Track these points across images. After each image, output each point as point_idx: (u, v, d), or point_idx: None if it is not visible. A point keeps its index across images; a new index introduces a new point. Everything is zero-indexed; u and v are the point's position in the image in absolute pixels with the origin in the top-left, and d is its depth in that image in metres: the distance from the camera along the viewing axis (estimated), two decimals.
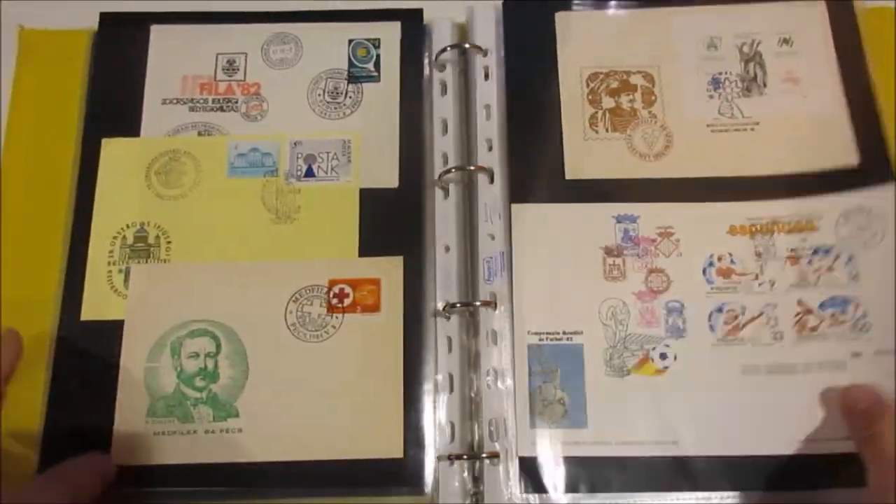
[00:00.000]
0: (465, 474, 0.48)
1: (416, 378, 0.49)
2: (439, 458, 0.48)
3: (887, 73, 0.56)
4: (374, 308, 0.50)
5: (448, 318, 0.51)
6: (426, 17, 0.58)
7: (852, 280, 0.51)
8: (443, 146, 0.55)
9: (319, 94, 0.56)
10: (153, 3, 0.58)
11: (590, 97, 0.56)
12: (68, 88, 0.55)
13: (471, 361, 0.51)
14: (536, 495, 0.47)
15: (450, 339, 0.51)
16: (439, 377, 0.50)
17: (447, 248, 0.53)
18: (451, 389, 0.50)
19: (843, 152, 0.54)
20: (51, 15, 0.57)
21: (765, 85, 0.56)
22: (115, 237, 0.52)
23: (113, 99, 0.55)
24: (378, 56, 0.57)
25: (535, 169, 0.54)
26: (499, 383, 0.50)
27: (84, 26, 0.57)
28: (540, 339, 0.50)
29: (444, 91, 0.57)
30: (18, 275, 0.51)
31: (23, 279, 0.51)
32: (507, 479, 0.47)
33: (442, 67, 0.57)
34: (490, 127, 0.56)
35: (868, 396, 0.46)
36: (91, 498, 0.44)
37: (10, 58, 0.56)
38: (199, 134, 0.55)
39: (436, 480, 0.47)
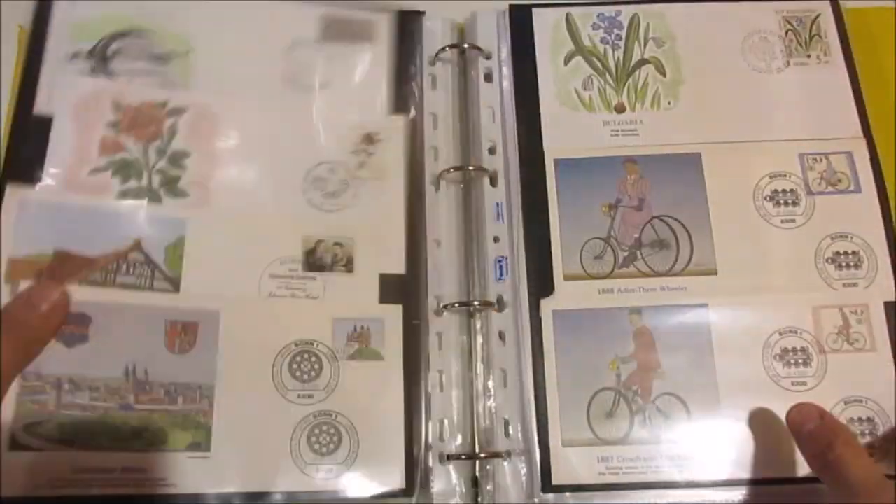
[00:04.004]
0: (465, 474, 0.47)
1: (415, 378, 0.48)
2: (439, 458, 0.47)
3: (882, 72, 0.57)
4: None
5: (440, 315, 0.49)
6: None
7: None
8: (433, 140, 0.54)
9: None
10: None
11: None
12: None
13: (472, 361, 0.49)
14: (550, 495, 0.46)
15: (440, 336, 0.49)
16: (436, 376, 0.48)
17: (438, 243, 0.51)
18: (442, 387, 0.48)
19: None
20: None
21: None
22: None
23: None
24: None
25: None
26: (507, 383, 0.48)
27: None
28: None
29: (434, 85, 0.55)
30: None
31: None
32: (521, 479, 0.47)
33: (433, 64, 0.56)
34: (494, 130, 0.54)
35: (813, 416, 0.45)
36: (43, 335, 0.40)
37: (10, 57, 0.52)
38: None
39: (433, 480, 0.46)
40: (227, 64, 0.52)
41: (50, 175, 0.46)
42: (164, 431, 0.42)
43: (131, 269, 0.45)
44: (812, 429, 0.44)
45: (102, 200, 0.46)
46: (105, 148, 0.48)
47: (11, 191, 0.45)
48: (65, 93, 0.49)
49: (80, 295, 0.43)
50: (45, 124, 0.48)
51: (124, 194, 0.47)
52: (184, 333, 0.44)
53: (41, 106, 0.48)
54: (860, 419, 0.48)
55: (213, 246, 0.47)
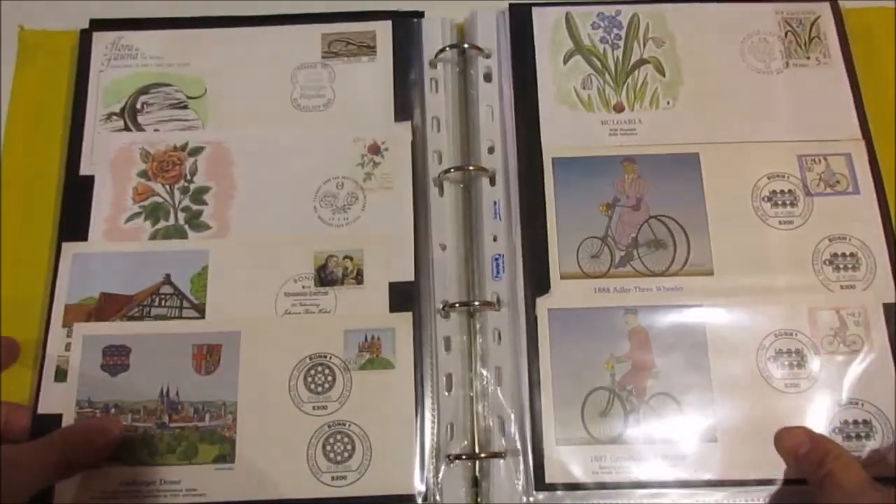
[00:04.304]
0: (466, 474, 0.49)
1: (425, 383, 0.50)
2: (445, 463, 0.49)
3: (882, 72, 0.55)
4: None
5: (447, 318, 0.51)
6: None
7: None
8: (436, 144, 0.55)
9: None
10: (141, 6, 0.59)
11: None
12: (66, 87, 0.57)
13: (472, 361, 0.51)
14: (546, 494, 0.48)
15: (448, 339, 0.51)
16: (444, 379, 0.50)
17: (443, 247, 0.53)
18: (450, 389, 0.50)
19: None
20: (50, 15, 0.59)
21: None
22: None
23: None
24: None
25: None
26: (502, 381, 0.50)
27: (83, 26, 0.58)
28: None
29: (435, 89, 0.57)
30: (17, 271, 0.53)
31: (21, 274, 0.53)
32: (516, 477, 0.48)
33: (434, 66, 0.57)
34: (493, 128, 0.55)
35: (804, 440, 0.47)
36: (92, 460, 0.47)
37: (10, 57, 0.58)
38: None
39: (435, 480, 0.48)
40: (239, 97, 0.57)
41: (94, 228, 0.53)
42: (195, 446, 0.48)
43: (163, 301, 0.51)
44: (804, 452, 0.46)
45: (137, 243, 0.53)
46: (137, 195, 0.54)
47: (66, 248, 0.52)
48: (102, 151, 0.55)
49: (123, 329, 0.51)
50: (88, 183, 0.54)
51: (155, 234, 0.53)
52: (209, 355, 0.50)
53: (85, 167, 0.54)
54: (856, 422, 0.48)
55: (233, 271, 0.52)
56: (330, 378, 0.50)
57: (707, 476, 0.47)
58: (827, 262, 0.51)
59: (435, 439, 0.49)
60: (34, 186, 0.55)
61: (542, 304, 0.51)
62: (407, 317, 0.51)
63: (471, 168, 0.54)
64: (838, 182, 0.52)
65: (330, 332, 0.51)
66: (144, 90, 0.57)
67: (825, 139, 0.53)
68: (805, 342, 0.49)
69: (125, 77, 0.57)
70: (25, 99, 0.57)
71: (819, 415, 0.48)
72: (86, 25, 0.58)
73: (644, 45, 0.56)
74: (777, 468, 0.47)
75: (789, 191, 0.52)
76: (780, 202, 0.52)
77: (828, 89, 0.55)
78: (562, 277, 0.51)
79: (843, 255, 0.51)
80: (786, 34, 0.56)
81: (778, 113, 0.54)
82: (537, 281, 0.51)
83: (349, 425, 0.49)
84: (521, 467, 0.48)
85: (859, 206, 0.52)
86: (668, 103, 0.55)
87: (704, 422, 0.48)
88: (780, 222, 0.52)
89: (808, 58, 0.56)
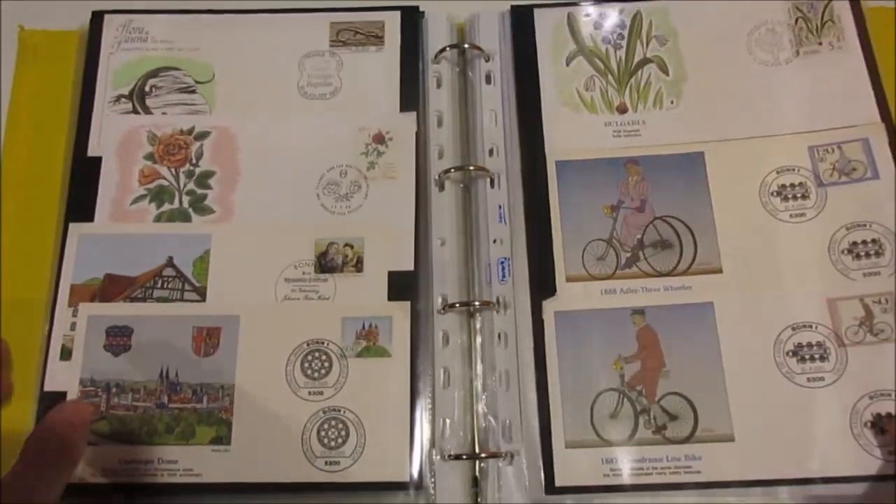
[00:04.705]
0: (465, 474, 0.49)
1: (420, 375, 0.50)
2: (441, 458, 0.49)
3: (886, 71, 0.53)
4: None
5: (443, 313, 0.51)
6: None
7: None
8: (438, 139, 0.55)
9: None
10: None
11: None
12: (65, 87, 0.57)
13: (472, 360, 0.51)
14: (556, 497, 0.47)
15: (445, 333, 0.51)
16: (440, 373, 0.50)
17: (442, 242, 0.53)
18: (447, 385, 0.50)
19: None
20: (50, 15, 0.59)
21: None
22: None
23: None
24: None
25: None
26: (509, 385, 0.50)
27: (84, 25, 0.59)
28: None
29: (438, 85, 0.57)
30: (16, 271, 0.53)
31: (21, 274, 0.53)
32: (526, 481, 0.48)
33: (437, 62, 0.57)
34: (494, 132, 0.55)
35: None
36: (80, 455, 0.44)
37: (10, 57, 0.58)
38: None
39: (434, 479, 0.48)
40: (246, 83, 0.57)
41: (100, 209, 0.54)
42: (193, 427, 0.49)
43: (165, 284, 0.52)
44: None
45: (142, 226, 0.53)
46: (143, 178, 0.55)
47: (73, 228, 0.53)
48: (110, 133, 0.56)
49: (126, 311, 0.51)
50: (96, 164, 0.55)
51: (159, 217, 0.54)
52: (208, 338, 0.51)
53: (93, 149, 0.55)
54: (889, 414, 0.46)
55: (235, 256, 0.53)
56: (327, 364, 0.50)
57: (725, 477, 0.46)
58: (845, 252, 0.50)
59: (430, 432, 0.49)
60: (34, 181, 0.55)
61: (549, 306, 0.50)
62: (405, 306, 0.51)
63: (471, 168, 0.54)
64: (854, 169, 0.51)
65: (328, 319, 0.51)
66: (153, 73, 0.57)
67: (839, 126, 0.52)
68: (826, 334, 0.48)
69: (135, 60, 0.58)
70: (25, 99, 0.57)
71: (847, 408, 0.47)
72: (86, 25, 0.59)
73: (647, 44, 0.56)
74: (797, 468, 0.46)
75: (800, 183, 0.51)
76: (790, 196, 0.51)
77: (842, 74, 0.53)
78: (568, 280, 0.51)
79: (864, 242, 0.50)
80: (796, 21, 0.55)
81: (787, 105, 0.53)
82: (543, 284, 0.51)
83: (344, 411, 0.49)
84: (530, 470, 0.48)
85: (880, 191, 0.51)
86: (672, 102, 0.54)
87: (720, 421, 0.47)
88: (790, 216, 0.51)
89: (821, 43, 0.54)
